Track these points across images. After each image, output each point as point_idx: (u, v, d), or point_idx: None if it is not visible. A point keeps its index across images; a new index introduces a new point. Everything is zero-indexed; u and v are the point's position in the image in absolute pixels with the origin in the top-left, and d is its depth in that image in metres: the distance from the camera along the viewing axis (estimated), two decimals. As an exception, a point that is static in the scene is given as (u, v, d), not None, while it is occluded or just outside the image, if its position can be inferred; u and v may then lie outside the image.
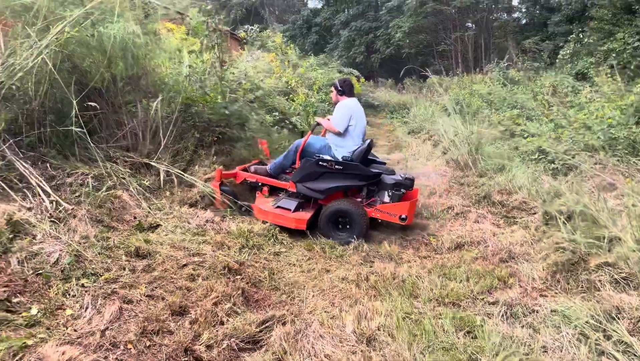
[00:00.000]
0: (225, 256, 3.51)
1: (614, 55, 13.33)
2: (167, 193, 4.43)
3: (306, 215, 4.54)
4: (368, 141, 4.89)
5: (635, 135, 5.48)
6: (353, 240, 4.34)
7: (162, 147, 4.74)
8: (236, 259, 3.51)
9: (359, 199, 4.75)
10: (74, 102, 3.89)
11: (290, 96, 9.59)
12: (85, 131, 4.00)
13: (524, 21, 28.76)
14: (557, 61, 15.55)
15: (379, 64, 30.20)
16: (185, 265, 3.24)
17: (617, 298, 2.84)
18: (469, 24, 27.19)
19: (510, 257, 3.91)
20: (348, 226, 4.50)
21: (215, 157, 4.92)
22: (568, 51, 14.71)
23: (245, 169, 5.05)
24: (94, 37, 4.22)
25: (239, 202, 4.70)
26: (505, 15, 27.73)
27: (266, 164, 5.20)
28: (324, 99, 10.03)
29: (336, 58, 29.36)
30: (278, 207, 4.60)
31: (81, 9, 4.30)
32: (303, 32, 34.54)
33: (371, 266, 3.84)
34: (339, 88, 5.00)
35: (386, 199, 4.68)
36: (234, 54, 11.97)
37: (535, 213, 4.71)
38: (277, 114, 7.00)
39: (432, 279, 3.56)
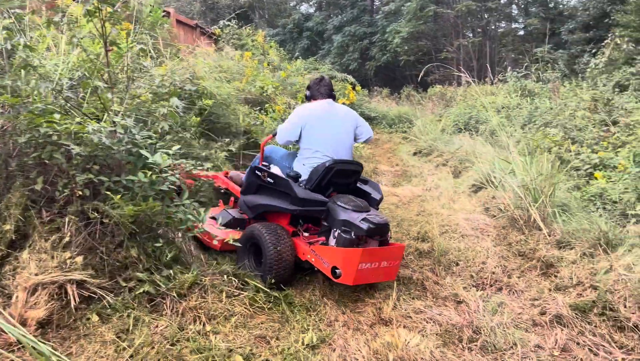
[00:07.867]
0: None
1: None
2: None
3: (230, 234, 3.26)
4: (332, 161, 3.39)
5: None
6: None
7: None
8: None
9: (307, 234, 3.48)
10: None
11: (266, 106, 7.22)
12: None
13: (521, 31, 26.75)
14: (587, 70, 13.27)
15: (374, 71, 27.88)
16: None
17: None
18: (469, 33, 25.06)
19: None
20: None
21: (68, 230, 2.41)
22: (602, 59, 12.40)
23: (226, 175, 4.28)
24: None
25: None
26: (513, 24, 25.63)
27: None
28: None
29: (328, 64, 27.16)
30: (212, 217, 3.57)
31: None
32: (294, 37, 32.19)
33: None
34: (307, 91, 3.85)
35: (331, 241, 3.21)
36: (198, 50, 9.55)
37: None
38: (228, 138, 4.47)
39: None
